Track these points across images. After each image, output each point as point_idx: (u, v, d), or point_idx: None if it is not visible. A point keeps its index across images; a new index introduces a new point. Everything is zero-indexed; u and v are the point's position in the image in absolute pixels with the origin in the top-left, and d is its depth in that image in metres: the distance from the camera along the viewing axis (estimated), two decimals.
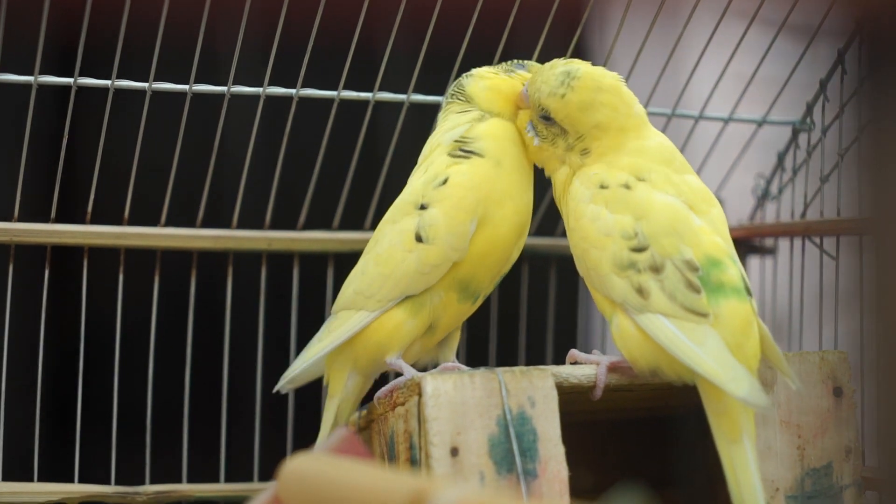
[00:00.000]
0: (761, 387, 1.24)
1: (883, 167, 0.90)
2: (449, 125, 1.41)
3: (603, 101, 1.33)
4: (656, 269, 1.28)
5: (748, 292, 1.29)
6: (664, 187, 1.31)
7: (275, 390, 1.45)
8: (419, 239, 1.35)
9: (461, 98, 1.42)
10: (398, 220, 1.38)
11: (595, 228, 1.31)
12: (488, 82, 1.41)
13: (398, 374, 1.36)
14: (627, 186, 1.31)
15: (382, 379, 1.45)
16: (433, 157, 1.40)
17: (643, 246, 1.29)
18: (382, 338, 1.36)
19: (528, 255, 1.45)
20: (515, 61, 1.43)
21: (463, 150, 1.37)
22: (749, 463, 1.25)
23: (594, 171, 1.33)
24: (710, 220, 1.31)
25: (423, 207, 1.36)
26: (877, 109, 0.91)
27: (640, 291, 1.28)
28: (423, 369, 1.36)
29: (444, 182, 1.36)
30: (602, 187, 1.32)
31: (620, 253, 1.29)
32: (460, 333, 1.43)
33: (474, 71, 1.43)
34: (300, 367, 1.41)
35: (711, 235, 1.30)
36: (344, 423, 1.40)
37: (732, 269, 1.29)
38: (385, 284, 1.36)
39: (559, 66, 1.35)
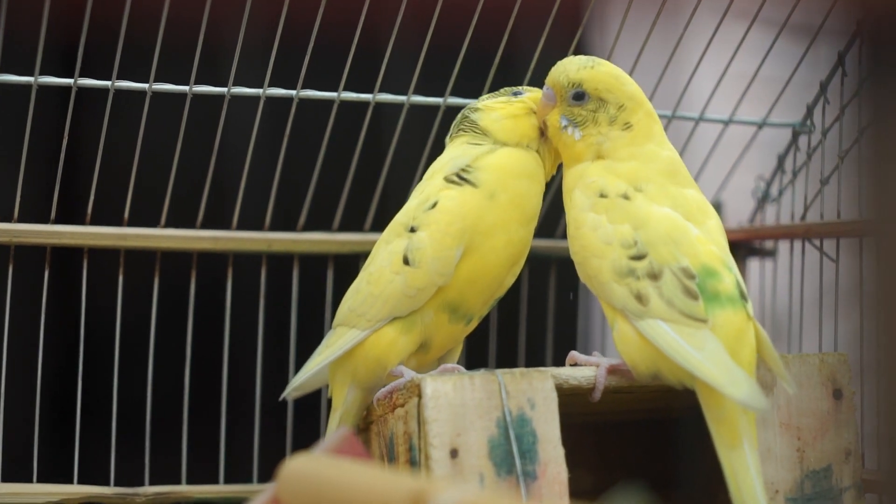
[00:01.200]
0: (760, 390, 1.24)
1: (884, 167, 0.90)
2: (458, 153, 1.40)
3: (629, 80, 1.36)
4: (654, 277, 1.29)
5: (743, 297, 1.29)
6: (659, 199, 1.32)
7: (281, 398, 1.45)
8: (406, 262, 1.36)
9: (476, 131, 1.41)
10: (391, 241, 1.39)
11: (595, 237, 1.32)
12: (501, 112, 1.41)
13: None
14: (626, 197, 1.32)
15: None
16: (432, 181, 1.39)
17: (642, 254, 1.29)
18: (379, 353, 1.37)
19: (528, 257, 1.45)
20: (509, 89, 1.43)
21: (460, 176, 1.37)
22: (749, 469, 1.25)
23: (593, 178, 1.34)
24: (707, 229, 1.32)
25: (412, 230, 1.37)
26: (878, 110, 0.91)
27: (640, 298, 1.28)
28: None
29: (434, 206, 1.36)
30: (601, 196, 1.33)
31: (620, 261, 1.30)
32: (460, 349, 1.43)
33: (480, 104, 1.42)
34: (301, 379, 1.42)
35: (707, 245, 1.31)
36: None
37: (728, 277, 1.29)
38: (374, 304, 1.37)
39: (576, 57, 1.38)
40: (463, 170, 1.37)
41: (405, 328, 1.36)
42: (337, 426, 1.40)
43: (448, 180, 1.37)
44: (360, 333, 1.37)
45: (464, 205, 1.36)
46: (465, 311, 1.37)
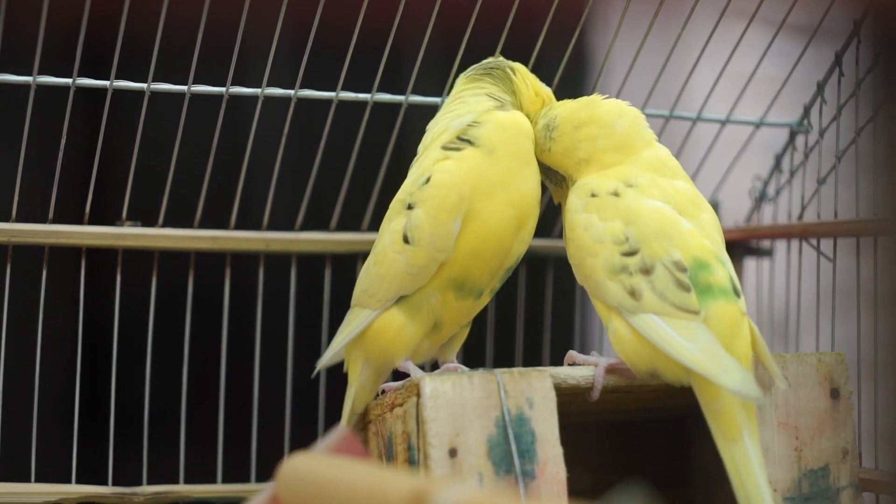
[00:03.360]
0: (754, 379, 1.24)
1: (892, 166, 0.90)
2: (467, 108, 1.39)
3: (581, 138, 1.37)
4: (647, 271, 1.29)
5: (736, 293, 1.30)
6: (651, 192, 1.33)
7: (313, 375, 1.46)
8: (406, 240, 1.35)
9: (504, 86, 1.41)
10: (392, 220, 1.39)
11: (588, 236, 1.32)
12: (535, 90, 1.42)
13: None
14: (616, 194, 1.33)
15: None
16: (428, 151, 1.39)
17: (633, 250, 1.30)
18: (388, 342, 1.37)
19: (525, 257, 1.45)
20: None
21: (460, 138, 1.36)
22: (751, 461, 1.25)
23: (585, 180, 1.35)
24: (700, 223, 1.33)
25: (410, 207, 1.36)
26: (883, 108, 0.91)
27: (633, 293, 1.29)
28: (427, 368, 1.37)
29: (428, 181, 1.36)
30: (593, 196, 1.34)
31: (612, 258, 1.30)
32: (465, 335, 1.43)
33: (519, 67, 1.43)
34: (328, 356, 1.42)
35: (699, 238, 1.31)
36: (360, 410, 1.40)
37: (720, 270, 1.30)
38: (382, 284, 1.37)
39: (541, 119, 1.40)
40: (469, 126, 1.37)
41: (412, 312, 1.36)
42: (353, 399, 1.40)
43: (446, 148, 1.37)
44: (372, 313, 1.37)
45: (458, 172, 1.34)
46: (472, 285, 1.36)
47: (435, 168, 1.36)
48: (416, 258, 1.35)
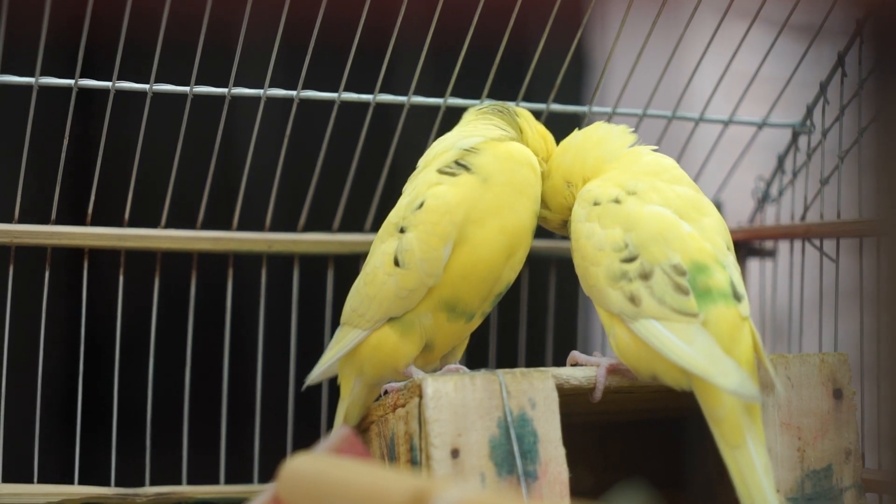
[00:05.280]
0: (752, 379, 1.24)
1: (887, 167, 0.90)
2: (476, 131, 1.40)
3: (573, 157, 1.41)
4: (645, 276, 1.29)
5: (737, 297, 1.29)
6: (651, 197, 1.33)
7: (303, 388, 1.47)
8: (397, 263, 1.35)
9: (507, 122, 1.41)
10: (384, 241, 1.39)
11: (590, 245, 1.32)
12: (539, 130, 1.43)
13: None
14: (617, 201, 1.33)
15: None
16: (425, 172, 1.39)
17: (633, 256, 1.30)
18: (385, 357, 1.37)
19: (528, 258, 1.45)
20: None
21: (457, 162, 1.36)
22: (755, 466, 1.24)
23: (588, 188, 1.36)
24: (701, 227, 1.32)
25: (402, 230, 1.36)
26: (880, 109, 0.90)
27: (633, 299, 1.29)
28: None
29: (421, 206, 1.36)
30: (595, 204, 1.34)
31: (612, 265, 1.30)
32: (466, 342, 1.43)
33: (525, 112, 1.44)
34: (316, 373, 1.44)
35: (699, 241, 1.31)
36: (352, 424, 1.41)
37: (720, 273, 1.29)
38: (371, 305, 1.37)
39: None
40: (467, 151, 1.37)
41: (404, 331, 1.36)
42: (344, 415, 1.41)
43: (442, 172, 1.36)
44: (362, 333, 1.38)
45: (451, 199, 1.34)
46: (463, 308, 1.36)
47: (429, 193, 1.35)
48: (406, 281, 1.35)
